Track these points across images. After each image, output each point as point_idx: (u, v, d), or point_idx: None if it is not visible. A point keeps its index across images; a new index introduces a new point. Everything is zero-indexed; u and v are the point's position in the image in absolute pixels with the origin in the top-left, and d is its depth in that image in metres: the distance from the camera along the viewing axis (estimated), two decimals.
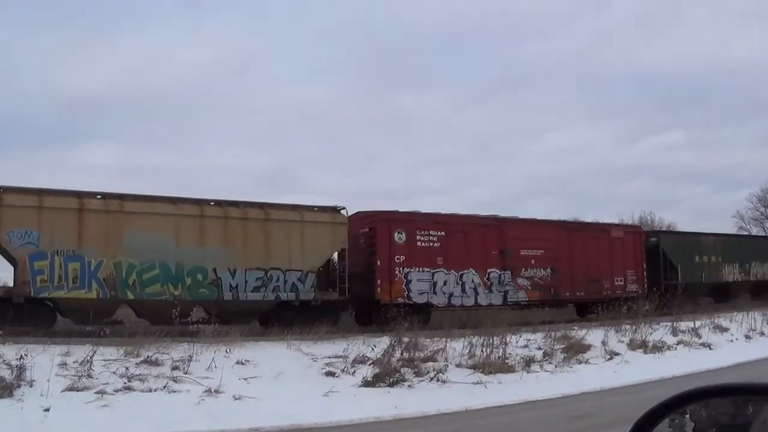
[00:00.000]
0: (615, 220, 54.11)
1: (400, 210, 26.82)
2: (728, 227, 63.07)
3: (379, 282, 24.99)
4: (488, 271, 27.26)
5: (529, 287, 28.35)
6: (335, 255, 25.42)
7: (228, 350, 16.36)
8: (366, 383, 15.61)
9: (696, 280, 35.52)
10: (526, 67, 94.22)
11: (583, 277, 29.88)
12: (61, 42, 76.54)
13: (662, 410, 2.41)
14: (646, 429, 2.39)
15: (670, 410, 2.42)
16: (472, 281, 26.86)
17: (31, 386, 12.75)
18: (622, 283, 31.39)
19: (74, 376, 13.60)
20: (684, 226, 57.62)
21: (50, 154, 76.31)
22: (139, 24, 79.74)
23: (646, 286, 31.77)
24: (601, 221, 36.46)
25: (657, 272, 34.51)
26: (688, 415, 2.45)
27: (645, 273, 32.64)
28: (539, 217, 31.85)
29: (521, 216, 30.62)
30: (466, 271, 26.71)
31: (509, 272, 27.76)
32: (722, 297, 36.62)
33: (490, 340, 18.28)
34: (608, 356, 19.96)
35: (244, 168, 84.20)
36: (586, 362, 19.24)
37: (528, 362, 18.21)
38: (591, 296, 29.82)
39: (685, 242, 36.31)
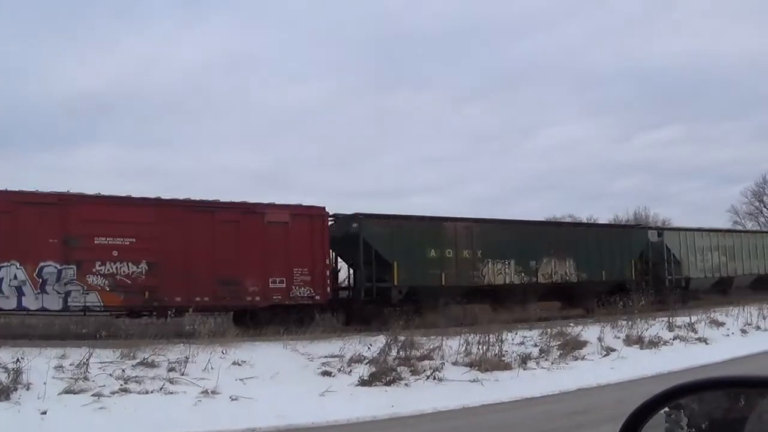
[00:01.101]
0: (610, 217, 54.06)
1: None
2: (723, 222, 63.31)
3: None
4: (41, 264, 20.62)
5: (108, 288, 21.31)
6: None
7: (224, 351, 16.35)
8: (362, 382, 15.61)
9: None
10: (521, 65, 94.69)
11: (210, 276, 22.66)
12: (57, 43, 76.41)
13: (654, 404, 2.41)
14: (638, 423, 2.38)
15: (661, 404, 2.42)
16: (15, 277, 20.22)
17: (27, 389, 12.73)
18: (284, 285, 23.95)
19: (71, 378, 13.57)
20: (678, 221, 57.68)
21: (47, 156, 75.89)
22: (136, 24, 79.59)
23: (329, 289, 25.46)
24: (252, 201, 24.80)
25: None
26: (682, 410, 2.45)
27: (329, 272, 25.82)
28: (135, 195, 22.88)
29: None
30: (5, 264, 20.14)
31: (74, 267, 20.97)
32: None
33: (486, 338, 18.28)
34: (604, 352, 19.97)
35: (239, 168, 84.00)
36: (583, 358, 19.25)
37: (524, 359, 18.22)
38: (223, 302, 23.18)
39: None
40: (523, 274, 29.86)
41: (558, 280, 31.16)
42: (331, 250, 26.24)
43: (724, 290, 38.45)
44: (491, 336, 18.44)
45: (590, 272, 31.92)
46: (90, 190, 21.71)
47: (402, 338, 17.75)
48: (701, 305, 30.72)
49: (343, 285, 28.48)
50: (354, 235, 26.37)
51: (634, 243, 34.63)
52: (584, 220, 53.05)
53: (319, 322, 23.11)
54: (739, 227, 61.76)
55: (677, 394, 2.42)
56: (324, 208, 25.59)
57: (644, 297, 26.46)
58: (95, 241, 21.24)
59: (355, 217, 26.96)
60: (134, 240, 21.80)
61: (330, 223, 26.21)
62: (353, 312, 26.04)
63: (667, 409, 2.46)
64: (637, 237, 35.43)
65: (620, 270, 33.07)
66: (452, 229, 28.54)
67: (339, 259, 27.85)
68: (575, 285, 31.60)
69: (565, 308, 31.63)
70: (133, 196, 22.64)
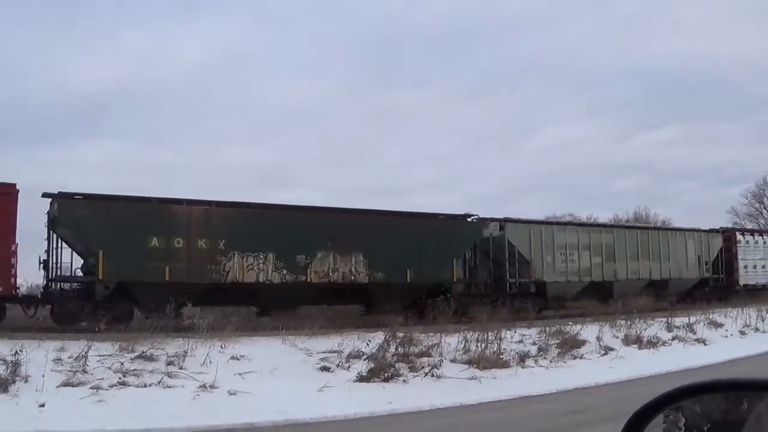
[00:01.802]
0: (610, 216, 53.68)
1: None
2: (723, 223, 63.14)
3: None
4: None
5: None
6: None
7: (223, 345, 16.34)
8: (361, 378, 15.62)
9: None
10: (521, 64, 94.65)
11: None
12: (58, 40, 76.39)
13: (654, 407, 2.41)
14: (639, 425, 2.39)
15: (662, 407, 2.42)
16: None
17: (26, 382, 12.73)
18: None
19: (69, 371, 13.57)
20: (678, 221, 57.58)
21: (49, 153, 75.72)
22: (136, 21, 79.54)
23: (14, 280, 22.02)
24: None
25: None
26: (681, 411, 2.45)
27: (15, 260, 21.94)
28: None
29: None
30: None
31: None
32: None
33: (485, 336, 18.29)
34: (603, 351, 19.98)
35: (239, 165, 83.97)
36: (581, 357, 19.26)
37: (523, 357, 18.22)
38: None
39: None
40: (285, 272, 25.05)
41: (339, 279, 26.08)
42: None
43: (605, 298, 32.06)
44: (490, 334, 18.45)
45: (389, 271, 26.70)
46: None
47: (401, 335, 17.76)
48: (561, 318, 26.21)
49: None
50: (52, 219, 22.94)
51: (461, 237, 29.20)
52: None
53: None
54: (625, 222, 50.83)
55: (679, 396, 2.42)
56: (14, 185, 21.88)
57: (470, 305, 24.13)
58: None
59: (57, 196, 22.62)
60: None
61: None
62: (57, 308, 22.55)
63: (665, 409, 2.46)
64: (466, 230, 29.90)
65: (438, 270, 27.71)
66: (185, 213, 23.83)
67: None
68: (367, 286, 26.70)
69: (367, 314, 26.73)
70: None
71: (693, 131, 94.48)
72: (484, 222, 30.70)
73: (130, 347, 15.40)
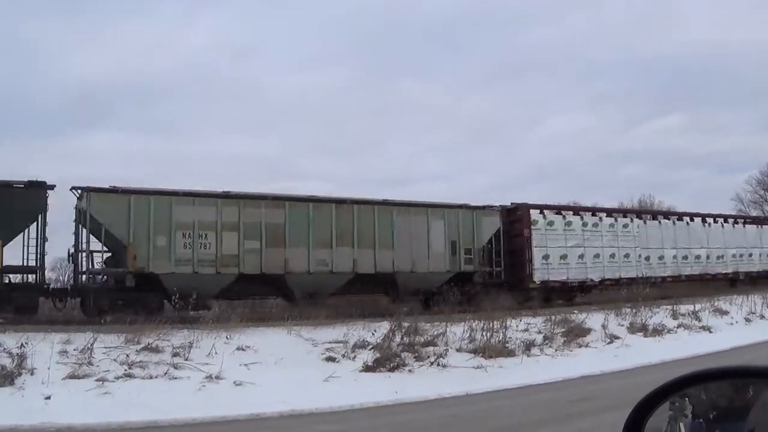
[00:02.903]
0: (615, 204, 53.36)
1: None
2: (728, 211, 62.96)
3: None
4: None
5: None
6: None
7: (228, 336, 16.37)
8: (366, 368, 15.64)
9: None
10: (526, 54, 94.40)
11: None
12: (61, 30, 76.29)
13: (661, 394, 2.40)
14: (646, 412, 2.38)
15: (669, 394, 2.41)
16: None
17: (32, 374, 12.78)
18: None
19: (75, 363, 13.62)
20: (683, 209, 57.33)
21: (51, 142, 75.71)
22: (139, 10, 79.43)
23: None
24: None
25: None
26: (687, 399, 2.44)
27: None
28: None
29: None
30: None
31: None
32: None
33: (491, 325, 18.28)
34: (608, 340, 19.97)
35: (243, 155, 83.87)
36: (587, 346, 19.25)
37: (528, 346, 18.22)
38: None
39: None
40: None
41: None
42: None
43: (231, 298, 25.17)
44: (495, 323, 18.44)
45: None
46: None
47: (406, 324, 17.75)
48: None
49: None
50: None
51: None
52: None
53: None
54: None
55: (685, 384, 2.41)
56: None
57: None
58: None
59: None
60: None
61: None
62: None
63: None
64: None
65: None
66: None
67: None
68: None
69: None
70: None
71: (698, 120, 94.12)
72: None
73: (136, 339, 15.43)
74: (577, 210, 33.01)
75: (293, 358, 15.79)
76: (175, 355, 14.92)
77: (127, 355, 14.45)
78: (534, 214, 29.79)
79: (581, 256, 30.47)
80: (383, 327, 17.81)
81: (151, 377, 13.68)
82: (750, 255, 37.47)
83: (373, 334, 17.42)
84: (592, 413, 11.53)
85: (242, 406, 12.28)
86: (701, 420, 2.43)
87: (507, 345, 17.88)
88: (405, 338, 17.23)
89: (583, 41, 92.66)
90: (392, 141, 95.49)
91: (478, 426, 11.34)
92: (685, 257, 34.30)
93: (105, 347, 14.65)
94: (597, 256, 31.01)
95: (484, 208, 29.29)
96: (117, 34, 75.94)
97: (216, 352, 15.05)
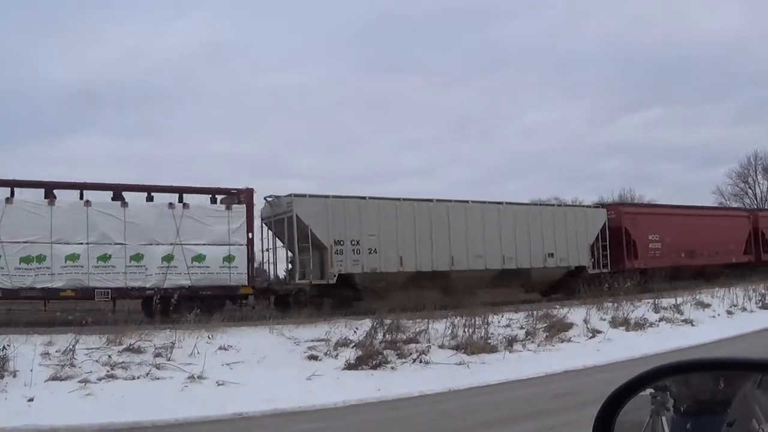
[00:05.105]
0: (594, 198, 53.63)
1: None
2: (709, 203, 63.37)
3: None
4: None
5: None
6: None
7: (210, 336, 16.32)
8: (349, 366, 15.63)
9: None
10: (504, 47, 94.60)
11: None
12: (42, 33, 75.67)
13: (634, 386, 2.40)
14: (617, 405, 2.38)
15: (641, 386, 2.41)
16: None
17: (14, 376, 12.71)
18: None
19: (57, 365, 13.55)
20: (664, 201, 57.70)
21: (32, 146, 75.03)
22: (119, 14, 78.96)
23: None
24: None
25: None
26: (669, 392, 2.46)
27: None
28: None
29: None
30: None
31: None
32: None
33: (473, 321, 18.33)
34: (590, 334, 20.06)
35: (225, 155, 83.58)
36: (569, 341, 19.33)
37: (510, 342, 18.27)
38: None
39: None
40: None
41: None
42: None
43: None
44: (477, 319, 18.50)
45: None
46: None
47: (388, 322, 17.78)
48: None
49: None
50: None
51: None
52: (569, 202, 51.86)
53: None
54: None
55: (656, 376, 2.41)
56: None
57: None
58: None
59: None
60: None
61: None
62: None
63: (653, 390, 2.47)
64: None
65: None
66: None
67: None
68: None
69: None
70: None
71: (678, 112, 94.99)
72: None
73: (118, 340, 15.37)
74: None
75: (276, 357, 15.78)
76: (157, 355, 14.86)
77: (110, 356, 14.37)
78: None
79: None
80: (365, 325, 17.81)
81: (133, 378, 13.62)
82: None
83: (355, 331, 17.42)
84: (575, 407, 11.58)
85: (225, 405, 12.25)
86: (682, 413, 2.45)
87: (489, 341, 17.93)
88: (387, 335, 17.25)
89: (562, 34, 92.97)
90: (373, 136, 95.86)
91: (462, 421, 11.39)
92: None
93: (87, 348, 14.58)
94: None
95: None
96: (97, 38, 75.42)
97: (198, 352, 15.01)
